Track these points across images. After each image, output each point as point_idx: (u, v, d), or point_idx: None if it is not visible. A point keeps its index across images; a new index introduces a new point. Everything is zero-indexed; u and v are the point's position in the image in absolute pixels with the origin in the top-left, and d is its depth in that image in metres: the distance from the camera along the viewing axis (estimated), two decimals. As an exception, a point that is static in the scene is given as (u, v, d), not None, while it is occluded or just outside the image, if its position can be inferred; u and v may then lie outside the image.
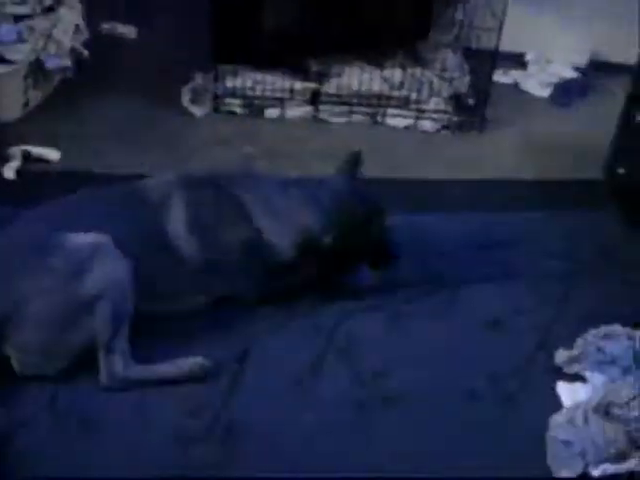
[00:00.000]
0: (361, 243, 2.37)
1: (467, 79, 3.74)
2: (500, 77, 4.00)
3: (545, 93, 4.02)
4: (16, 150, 3.09)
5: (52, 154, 3.13)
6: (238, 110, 3.59)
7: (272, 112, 3.59)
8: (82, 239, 2.05)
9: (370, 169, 3.11)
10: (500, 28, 3.42)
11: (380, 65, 3.67)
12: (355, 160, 2.52)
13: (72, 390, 2.03)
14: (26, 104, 3.43)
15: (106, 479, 1.83)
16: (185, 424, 1.95)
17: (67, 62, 3.53)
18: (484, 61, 3.57)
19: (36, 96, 3.50)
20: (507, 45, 3.59)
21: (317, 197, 2.35)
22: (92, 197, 2.30)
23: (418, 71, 3.65)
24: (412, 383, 2.12)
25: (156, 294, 2.17)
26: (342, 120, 3.58)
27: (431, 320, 2.36)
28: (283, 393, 2.07)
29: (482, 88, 3.58)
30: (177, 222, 2.20)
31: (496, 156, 3.38)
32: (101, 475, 1.83)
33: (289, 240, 2.30)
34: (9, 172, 3.00)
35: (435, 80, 3.66)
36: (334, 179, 2.46)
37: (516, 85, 4.10)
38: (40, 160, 3.10)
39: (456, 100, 3.68)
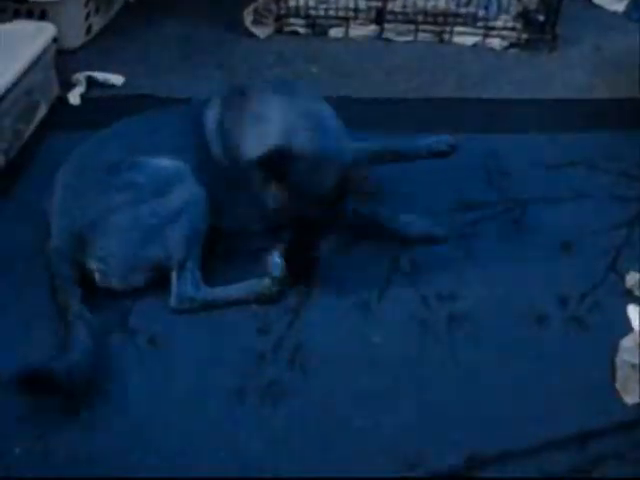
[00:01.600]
0: None
1: (537, -6, 3.59)
2: (572, -9, 3.84)
3: (620, 7, 3.83)
4: (80, 76, 3.11)
5: (116, 79, 3.13)
6: (301, 30, 3.52)
7: (336, 32, 3.50)
8: (164, 161, 2.11)
9: (437, 89, 3.09)
10: (573, -62, 3.26)
11: (447, -18, 3.54)
12: None
13: (143, 309, 2.09)
14: (89, 30, 3.42)
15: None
16: (253, 342, 1.99)
17: (129, -15, 3.50)
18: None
19: (98, 22, 3.49)
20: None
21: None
22: (157, 119, 2.32)
23: (487, -14, 3.51)
24: (479, 305, 2.11)
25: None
26: (408, 39, 3.48)
27: (499, 241, 2.32)
28: (350, 314, 2.08)
29: (553, 4, 3.42)
30: (211, 124, 2.20)
31: (568, 74, 3.24)
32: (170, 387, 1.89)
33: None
34: (74, 98, 3.02)
35: (504, -4, 3.52)
36: None
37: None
38: (104, 85, 3.11)
39: (525, 17, 3.52)
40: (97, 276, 2.09)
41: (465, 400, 1.87)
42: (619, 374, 1.90)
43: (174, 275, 2.08)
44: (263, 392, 1.87)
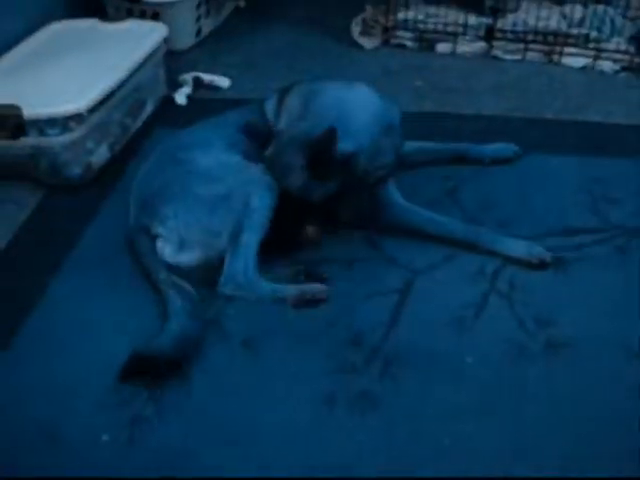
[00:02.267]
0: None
1: (653, 18, 3.50)
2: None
3: None
4: (188, 77, 3.17)
5: (222, 81, 3.18)
6: (408, 43, 3.52)
7: (443, 47, 3.49)
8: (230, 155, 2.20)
9: (543, 109, 3.03)
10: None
11: (559, 1, 3.49)
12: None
13: (238, 312, 2.08)
14: (198, 33, 3.49)
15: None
16: (346, 352, 1.96)
17: (240, -9, 3.55)
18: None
19: (208, 25, 3.56)
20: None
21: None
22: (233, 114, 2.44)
23: (601, 8, 3.44)
24: (578, 333, 2.03)
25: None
26: (516, 57, 3.43)
27: (601, 269, 2.25)
28: (444, 329, 2.04)
29: (669, 29, 3.33)
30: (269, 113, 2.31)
31: (680, 102, 3.15)
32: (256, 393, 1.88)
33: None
34: (181, 98, 3.07)
35: (618, 18, 3.44)
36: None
37: None
38: (211, 87, 3.16)
39: (639, 41, 3.44)
40: (158, 243, 2.11)
41: (557, 428, 1.80)
42: None
43: (227, 255, 2.06)
44: (353, 402, 1.84)
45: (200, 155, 2.17)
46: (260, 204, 2.09)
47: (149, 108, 2.93)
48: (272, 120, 2.30)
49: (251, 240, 2.06)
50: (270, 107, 2.33)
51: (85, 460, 1.73)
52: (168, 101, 3.04)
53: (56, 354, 1.98)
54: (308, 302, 2.02)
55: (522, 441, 1.77)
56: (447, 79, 3.27)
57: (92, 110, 2.52)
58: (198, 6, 3.42)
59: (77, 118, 2.48)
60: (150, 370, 1.86)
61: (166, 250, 2.11)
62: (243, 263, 2.04)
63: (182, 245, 2.10)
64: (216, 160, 2.17)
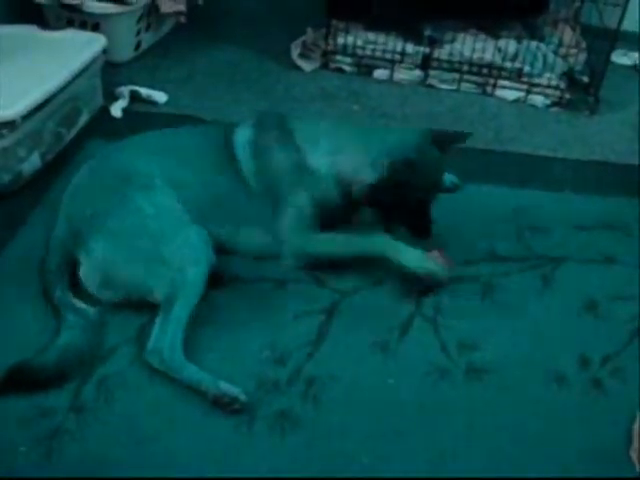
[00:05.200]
0: (405, 202, 2.26)
1: (584, 57, 3.60)
2: (619, 58, 3.86)
3: (666, 77, 3.84)
4: (125, 90, 3.15)
5: (159, 96, 3.17)
6: (347, 68, 3.56)
7: (381, 73, 3.54)
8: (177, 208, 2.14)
9: (474, 139, 3.08)
10: (626, 4, 3.27)
11: (495, 35, 3.57)
12: (454, 139, 2.42)
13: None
14: (138, 46, 3.48)
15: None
16: (269, 371, 1.97)
17: (181, 7, 3.54)
18: (603, 39, 3.40)
19: (148, 39, 3.55)
20: (630, 25, 3.46)
21: (377, 142, 2.27)
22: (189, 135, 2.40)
23: (534, 44, 3.54)
24: (499, 358, 2.08)
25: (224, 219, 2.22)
26: (451, 87, 3.51)
27: (526, 296, 2.31)
28: (368, 353, 2.06)
29: (599, 67, 3.43)
30: (241, 142, 2.28)
31: (607, 138, 3.24)
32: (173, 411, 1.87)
33: (333, 176, 2.26)
34: (116, 111, 3.05)
35: (550, 55, 3.54)
36: (405, 133, 2.37)
37: (635, 67, 3.93)
38: (147, 101, 3.14)
39: (570, 77, 3.55)
40: (81, 270, 2.08)
41: (473, 453, 1.83)
42: (635, 442, 1.86)
43: (158, 319, 1.98)
44: (273, 421, 1.85)
45: (138, 195, 2.10)
46: (194, 277, 2.03)
47: (84, 119, 2.90)
48: (244, 151, 2.27)
49: (182, 314, 1.98)
50: (242, 137, 2.30)
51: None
52: (104, 113, 3.02)
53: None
54: (224, 405, 1.87)
55: (439, 462, 1.80)
56: (383, 105, 3.31)
57: (25, 117, 2.48)
58: (139, 20, 3.40)
59: (9, 125, 2.44)
60: (29, 382, 1.84)
61: (89, 282, 2.07)
62: (170, 339, 1.95)
63: (107, 283, 2.06)
64: (155, 208, 2.09)
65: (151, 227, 2.06)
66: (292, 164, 2.25)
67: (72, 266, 2.09)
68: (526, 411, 1.95)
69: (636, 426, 1.89)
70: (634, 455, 1.84)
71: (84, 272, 2.08)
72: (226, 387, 1.87)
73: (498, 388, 2.00)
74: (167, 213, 2.11)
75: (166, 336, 1.95)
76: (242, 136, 2.29)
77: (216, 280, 2.12)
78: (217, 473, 1.73)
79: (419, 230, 2.29)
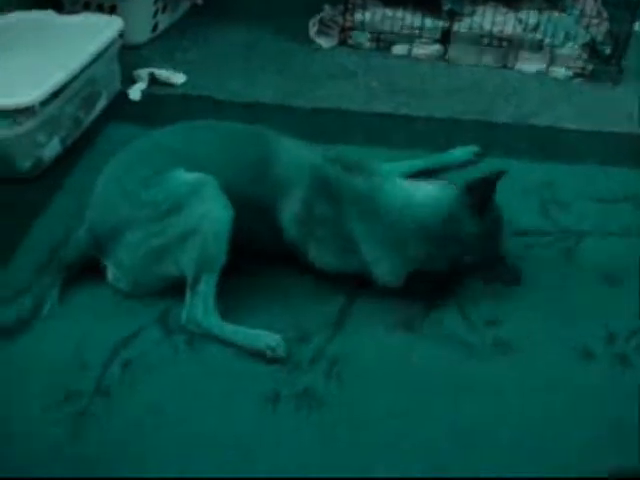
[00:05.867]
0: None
1: (605, 27, 3.53)
2: (641, 27, 3.79)
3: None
4: (143, 72, 3.15)
5: (177, 78, 3.16)
6: (365, 44, 3.53)
7: (400, 49, 3.50)
8: (186, 175, 2.03)
9: (495, 113, 3.06)
10: (648, -27, 3.21)
11: (515, 7, 3.52)
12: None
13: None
14: (155, 28, 3.47)
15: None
16: (292, 350, 1.96)
17: (198, -12, 3.53)
18: (625, 9, 3.35)
19: (165, 21, 3.54)
20: (653, -7, 3.37)
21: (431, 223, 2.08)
22: (221, 131, 2.24)
23: (555, 15, 3.48)
24: (525, 332, 2.06)
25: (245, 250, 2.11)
26: (471, 61, 3.47)
27: (549, 270, 2.28)
28: (392, 332, 2.05)
29: (621, 37, 3.37)
30: (288, 211, 2.11)
31: (630, 109, 3.18)
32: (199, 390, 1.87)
33: (396, 272, 2.11)
34: (135, 93, 3.05)
35: (572, 26, 3.48)
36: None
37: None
38: (165, 83, 3.14)
39: (592, 48, 3.49)
40: (109, 275, 2.09)
41: (498, 428, 1.82)
42: (662, 418, 1.84)
43: (187, 295, 2.03)
44: (296, 400, 1.85)
45: (158, 191, 2.02)
46: (217, 246, 2.01)
47: (103, 102, 2.90)
48: (287, 222, 2.12)
49: (210, 281, 2.01)
50: (292, 208, 2.11)
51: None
52: (122, 96, 3.01)
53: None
54: (264, 357, 1.95)
55: (459, 445, 1.78)
56: (402, 81, 3.28)
57: (44, 103, 2.48)
58: (155, 1, 3.40)
59: (28, 111, 2.45)
60: None
61: (120, 284, 2.09)
62: (203, 305, 2.00)
63: (136, 284, 2.08)
64: (168, 196, 2.01)
65: (172, 221, 2.01)
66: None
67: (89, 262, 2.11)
68: (551, 386, 1.93)
69: (664, 399, 1.87)
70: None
71: (114, 277, 2.09)
72: (266, 337, 1.95)
73: (525, 363, 1.98)
74: (174, 191, 2.02)
75: (198, 304, 2.00)
76: (290, 204, 2.11)
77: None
78: (242, 454, 1.73)
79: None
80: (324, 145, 2.29)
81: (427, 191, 2.13)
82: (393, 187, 2.13)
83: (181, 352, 1.96)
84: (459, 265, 2.12)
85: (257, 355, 1.94)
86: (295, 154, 2.16)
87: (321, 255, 2.14)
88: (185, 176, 2.03)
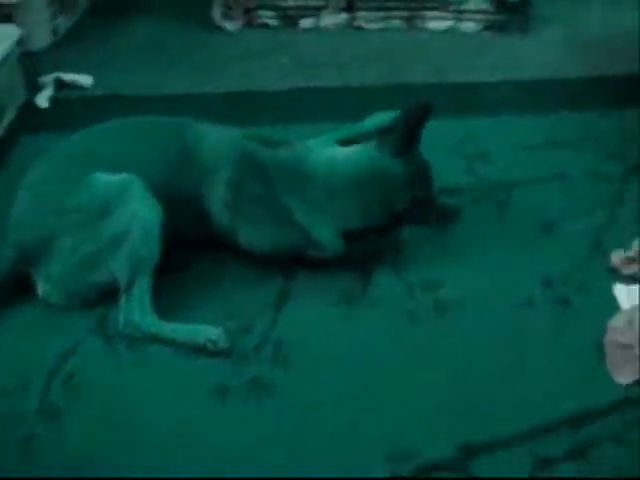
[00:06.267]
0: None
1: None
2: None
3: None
4: (48, 78, 3.05)
5: (85, 80, 3.07)
6: (272, 22, 3.49)
7: (306, 22, 3.47)
8: (110, 178, 1.98)
9: (410, 74, 3.05)
10: None
11: (417, -34, 3.51)
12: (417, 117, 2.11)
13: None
14: (55, 31, 3.37)
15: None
16: (235, 340, 1.93)
17: (94, -16, 3.44)
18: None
19: (64, 22, 3.44)
20: None
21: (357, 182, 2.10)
22: (133, 127, 2.19)
23: (458, -31, 3.48)
24: (465, 291, 2.06)
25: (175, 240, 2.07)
26: (379, 26, 3.45)
27: (482, 225, 2.29)
28: (333, 308, 2.03)
29: (525, -16, 3.39)
30: (215, 195, 2.08)
31: (542, 56, 3.22)
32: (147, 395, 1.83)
33: (331, 234, 2.11)
34: (43, 101, 2.96)
35: (476, -22, 3.49)
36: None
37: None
38: (73, 87, 3.05)
39: (497, 0, 3.50)
40: (39, 289, 2.03)
41: (454, 390, 1.81)
42: (608, 355, 1.86)
43: (122, 299, 1.98)
44: (246, 390, 1.82)
45: (83, 195, 1.97)
46: (148, 247, 1.97)
47: (10, 115, 2.82)
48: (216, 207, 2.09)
49: (144, 283, 1.97)
50: (220, 193, 2.08)
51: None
52: (29, 105, 2.92)
53: None
54: (207, 351, 1.91)
55: (418, 414, 1.76)
56: (312, 54, 3.26)
57: (-53, 122, 2.40)
58: (51, 3, 3.29)
59: None
60: None
61: (52, 298, 2.03)
62: (139, 307, 1.96)
63: (69, 295, 2.03)
64: (95, 200, 1.96)
65: (102, 225, 1.96)
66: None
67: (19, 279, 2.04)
68: (498, 340, 1.93)
69: (607, 339, 1.89)
70: (609, 367, 1.84)
71: (44, 291, 2.02)
72: (206, 331, 1.92)
73: (468, 322, 1.98)
74: (102, 194, 1.97)
75: (134, 307, 1.96)
76: (217, 188, 2.08)
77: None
78: (197, 450, 1.70)
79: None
80: (240, 128, 2.25)
81: (348, 149, 2.16)
82: (316, 154, 2.14)
83: (123, 358, 1.92)
84: (393, 214, 2.11)
85: (200, 350, 1.91)
86: (215, 138, 2.13)
87: (254, 236, 2.11)
88: (108, 178, 1.98)
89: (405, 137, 2.09)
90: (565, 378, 1.83)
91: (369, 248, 2.19)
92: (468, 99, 2.92)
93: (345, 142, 2.45)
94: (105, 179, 1.98)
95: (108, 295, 2.01)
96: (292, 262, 2.13)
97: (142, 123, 2.20)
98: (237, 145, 2.12)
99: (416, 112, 2.09)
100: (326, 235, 2.09)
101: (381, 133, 2.13)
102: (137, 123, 2.20)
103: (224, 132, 2.17)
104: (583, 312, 2.00)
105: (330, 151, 2.17)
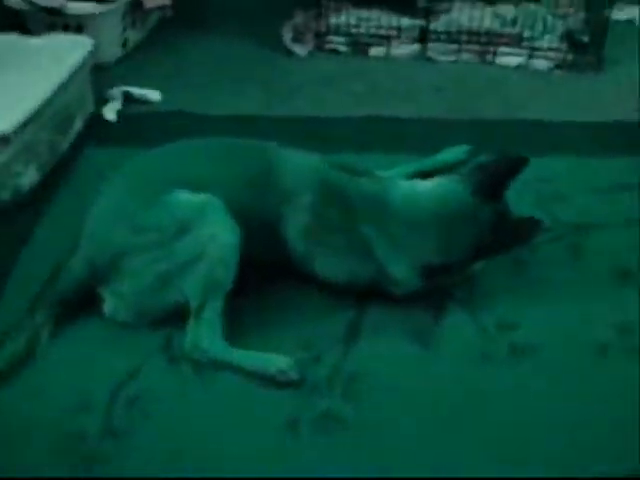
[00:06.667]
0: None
1: (582, 15, 3.51)
2: (616, 14, 3.72)
3: (666, 28, 3.75)
4: (117, 91, 3.04)
5: (153, 95, 3.06)
6: (342, 48, 3.46)
7: (377, 50, 3.44)
8: (190, 198, 1.92)
9: (481, 110, 3.00)
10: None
11: (491, 1, 3.48)
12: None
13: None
14: (125, 44, 3.37)
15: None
16: (306, 371, 1.88)
17: (166, 1, 3.43)
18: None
19: (135, 36, 3.44)
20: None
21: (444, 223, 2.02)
22: (214, 147, 2.13)
23: (531, 7, 3.45)
24: (540, 334, 1.99)
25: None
26: (451, 59, 3.42)
27: (556, 268, 2.22)
28: (405, 343, 1.97)
29: (598, 25, 3.33)
30: (295, 221, 2.03)
31: (615, 97, 3.15)
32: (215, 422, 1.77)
33: (407, 270, 2.04)
34: (110, 114, 2.94)
35: (548, 16, 3.45)
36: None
37: (633, 21, 3.83)
38: (141, 101, 3.04)
39: (570, 38, 3.45)
40: (107, 307, 1.98)
41: (528, 436, 1.75)
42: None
43: (192, 322, 1.92)
44: (317, 424, 1.76)
45: (160, 214, 1.92)
46: (224, 271, 1.92)
47: (78, 126, 2.80)
48: (293, 234, 2.04)
49: (216, 307, 1.92)
50: (298, 220, 2.03)
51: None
52: (97, 118, 2.90)
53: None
54: (277, 382, 1.86)
55: (490, 457, 1.71)
56: (384, 82, 3.22)
57: (18, 131, 2.38)
58: (123, 17, 3.30)
59: (3, 141, 2.34)
60: None
61: (119, 316, 1.99)
62: (208, 332, 1.91)
63: (138, 314, 1.98)
64: (172, 220, 1.91)
65: (178, 245, 1.91)
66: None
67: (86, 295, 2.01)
68: (574, 386, 1.87)
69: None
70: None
71: (113, 308, 1.98)
72: (276, 360, 1.87)
73: (542, 366, 1.92)
74: (179, 214, 1.92)
75: (203, 331, 1.91)
76: (296, 215, 2.03)
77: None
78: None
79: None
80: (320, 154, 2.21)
81: (430, 183, 2.10)
82: (399, 186, 2.09)
83: (189, 382, 1.87)
84: (477, 251, 2.04)
85: (269, 380, 1.86)
86: (297, 163, 2.09)
87: (330, 266, 2.06)
88: (188, 198, 1.93)
89: (495, 183, 2.03)
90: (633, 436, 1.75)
91: (442, 283, 2.12)
92: (541, 137, 2.86)
93: (419, 175, 2.44)
94: (184, 198, 1.92)
95: (175, 315, 1.96)
96: (365, 294, 2.08)
97: (222, 144, 2.15)
98: (320, 171, 2.07)
99: (511, 162, 2.05)
100: (402, 271, 2.03)
101: (456, 168, 2.08)
102: (217, 143, 2.16)
103: (306, 157, 2.13)
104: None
105: (411, 183, 2.12)
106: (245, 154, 2.11)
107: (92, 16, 3.13)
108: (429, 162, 2.58)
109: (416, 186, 2.10)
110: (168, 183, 1.96)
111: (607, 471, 1.68)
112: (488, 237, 2.01)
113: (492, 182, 2.03)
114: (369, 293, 2.08)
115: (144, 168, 2.09)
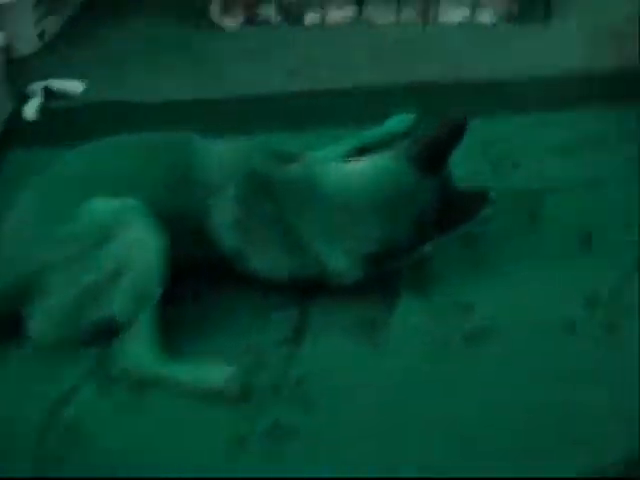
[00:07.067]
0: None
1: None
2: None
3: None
4: (36, 87, 2.85)
5: (75, 86, 2.87)
6: (274, 19, 3.30)
7: (312, 17, 3.28)
8: (109, 203, 1.80)
9: (427, 71, 2.87)
10: None
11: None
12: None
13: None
14: (42, 35, 3.17)
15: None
16: (250, 378, 1.77)
17: (83, -16, 3.25)
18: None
19: (52, 25, 3.24)
20: None
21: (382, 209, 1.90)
22: (133, 145, 2.00)
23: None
24: (499, 315, 1.89)
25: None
26: (389, 20, 3.26)
27: (514, 239, 2.11)
28: (354, 336, 1.86)
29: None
30: (223, 216, 1.90)
31: (566, 48, 3.01)
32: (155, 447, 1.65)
33: (349, 260, 1.91)
34: (30, 112, 2.75)
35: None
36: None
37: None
38: (63, 95, 2.85)
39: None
40: (32, 328, 1.83)
41: (489, 432, 1.64)
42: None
43: (124, 337, 1.80)
44: (267, 436, 1.65)
45: (78, 224, 1.80)
46: (151, 278, 1.80)
47: (-4, 128, 2.63)
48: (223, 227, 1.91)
49: (147, 318, 1.80)
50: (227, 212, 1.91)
51: None
52: (16, 117, 2.72)
53: None
54: (220, 394, 1.74)
55: (453, 455, 1.61)
56: (318, 53, 3.07)
57: None
58: (36, 5, 3.10)
59: None
60: None
61: (42, 335, 1.84)
62: (142, 346, 1.79)
63: (65, 335, 1.84)
64: (92, 229, 1.80)
65: (100, 256, 1.78)
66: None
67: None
68: (538, 370, 1.76)
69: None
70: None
71: (39, 329, 1.83)
72: (218, 371, 1.76)
73: (503, 348, 1.81)
74: (98, 222, 1.80)
75: (133, 346, 1.79)
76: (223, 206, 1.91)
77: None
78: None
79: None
80: (246, 136, 2.09)
81: (366, 163, 1.96)
82: (329, 169, 1.95)
83: (125, 404, 1.74)
84: (421, 233, 1.92)
85: (212, 393, 1.73)
86: (221, 154, 1.96)
87: (265, 262, 1.93)
88: (107, 203, 1.81)
89: (434, 155, 1.90)
90: (615, 416, 1.66)
91: (391, 269, 1.99)
92: (490, 97, 2.73)
93: (359, 152, 2.28)
94: (103, 204, 1.80)
95: (107, 333, 1.82)
96: (312, 288, 1.95)
97: (141, 140, 2.02)
98: (245, 160, 1.94)
99: (449, 128, 1.90)
100: (342, 262, 1.90)
101: (400, 141, 1.97)
102: (136, 140, 2.02)
103: (231, 146, 2.00)
104: (632, 337, 1.82)
105: (342, 166, 1.98)
106: (165, 150, 1.97)
107: (1, 7, 2.94)
108: (370, 135, 2.43)
109: (347, 168, 1.96)
110: (84, 188, 1.84)
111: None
112: (432, 216, 1.89)
113: (430, 154, 1.89)
114: (316, 287, 1.95)
115: (58, 174, 1.95)
